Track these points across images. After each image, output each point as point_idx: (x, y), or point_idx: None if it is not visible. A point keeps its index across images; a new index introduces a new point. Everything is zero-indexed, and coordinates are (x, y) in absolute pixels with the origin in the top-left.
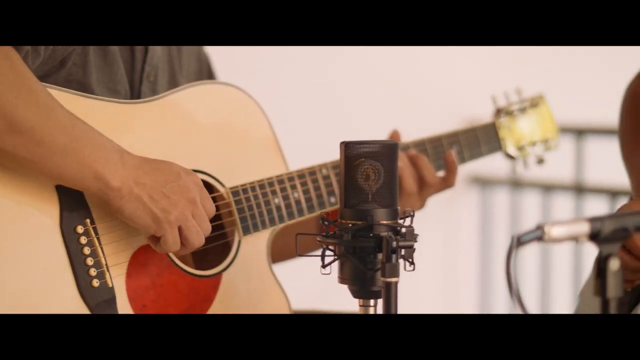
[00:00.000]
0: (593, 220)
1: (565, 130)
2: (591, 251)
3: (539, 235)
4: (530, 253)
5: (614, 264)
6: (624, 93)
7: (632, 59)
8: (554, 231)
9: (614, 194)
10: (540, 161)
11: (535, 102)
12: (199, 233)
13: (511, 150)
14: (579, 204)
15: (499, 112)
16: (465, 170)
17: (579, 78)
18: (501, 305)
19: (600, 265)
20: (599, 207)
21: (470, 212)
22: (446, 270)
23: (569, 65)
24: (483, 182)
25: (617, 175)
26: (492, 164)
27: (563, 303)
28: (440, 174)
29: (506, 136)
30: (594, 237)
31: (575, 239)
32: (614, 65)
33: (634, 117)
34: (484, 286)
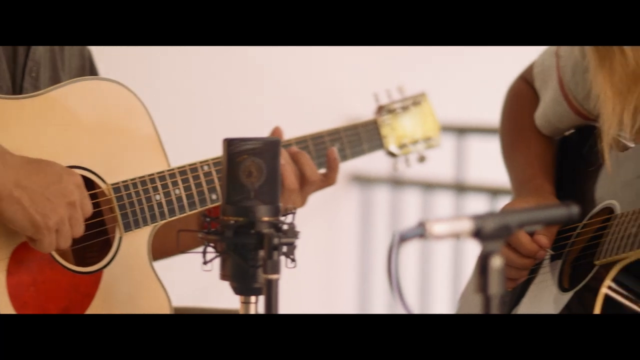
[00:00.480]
0: (475, 218)
1: (445, 128)
2: (471, 250)
3: (421, 232)
4: (410, 252)
5: (496, 262)
6: (505, 93)
7: (513, 60)
8: (436, 228)
9: (494, 192)
10: (422, 159)
11: (417, 101)
12: (69, 238)
13: (393, 148)
14: (459, 202)
15: (381, 109)
16: (345, 168)
17: (460, 77)
18: (380, 303)
19: (483, 263)
20: (479, 205)
21: (351, 210)
22: (326, 268)
23: (449, 65)
24: (363, 181)
25: (497, 174)
26: (372, 163)
27: (443, 301)
28: (322, 171)
29: (388, 134)
30: (476, 234)
31: (457, 236)
32: (495, 66)
33: (514, 117)
34: (363, 284)
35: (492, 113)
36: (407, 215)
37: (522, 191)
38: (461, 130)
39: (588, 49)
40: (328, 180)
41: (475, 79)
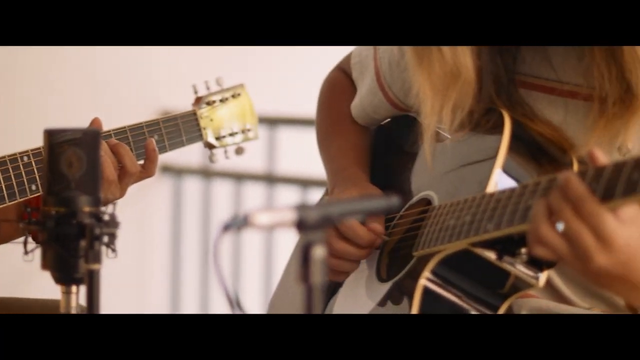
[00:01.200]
0: (298, 208)
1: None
2: (282, 243)
3: (244, 222)
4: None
5: (319, 252)
6: (322, 84)
7: (322, 54)
8: (260, 218)
9: (304, 183)
10: (240, 151)
11: (236, 92)
12: None
13: (211, 139)
14: (270, 193)
15: (199, 101)
16: None
17: (271, 69)
18: (191, 294)
19: (305, 253)
20: (289, 196)
21: (161, 202)
22: (137, 260)
23: (263, 57)
24: (175, 172)
25: (308, 165)
26: (183, 153)
27: (254, 292)
28: (141, 162)
29: (207, 125)
30: (299, 225)
31: (282, 226)
32: (307, 58)
33: (330, 107)
34: (174, 276)
35: (303, 104)
36: (218, 207)
37: (337, 180)
38: (272, 122)
39: (406, 48)
40: (147, 171)
41: (287, 70)
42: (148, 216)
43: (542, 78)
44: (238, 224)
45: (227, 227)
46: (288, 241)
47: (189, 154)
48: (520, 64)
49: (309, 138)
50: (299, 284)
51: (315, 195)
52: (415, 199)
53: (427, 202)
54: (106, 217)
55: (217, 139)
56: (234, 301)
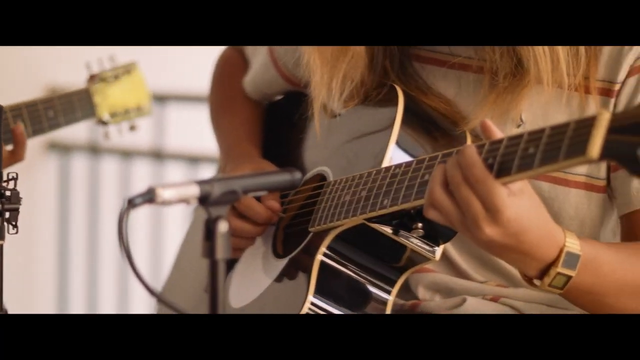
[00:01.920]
0: (202, 183)
1: None
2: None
3: (150, 197)
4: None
5: (223, 226)
6: (216, 60)
7: None
8: (165, 194)
9: (193, 160)
10: (133, 128)
11: (128, 69)
12: None
13: (105, 116)
14: (159, 170)
15: (93, 78)
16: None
17: (161, 47)
18: (79, 272)
19: (209, 228)
20: (178, 173)
21: (49, 179)
22: (23, 239)
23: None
24: (61, 149)
25: (198, 141)
26: (69, 130)
27: (144, 267)
28: (9, 148)
29: (100, 102)
30: (203, 200)
31: (185, 201)
32: None
33: (223, 83)
34: (62, 257)
35: (192, 81)
36: (106, 185)
37: (229, 156)
38: (161, 98)
39: None
40: (15, 156)
41: (175, 47)
42: (34, 194)
43: (435, 51)
44: (144, 199)
45: (132, 203)
46: (177, 218)
47: (75, 130)
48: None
49: (198, 115)
50: (204, 258)
51: (204, 172)
52: (309, 174)
53: (321, 177)
54: (8, 193)
55: (112, 115)
56: (140, 277)
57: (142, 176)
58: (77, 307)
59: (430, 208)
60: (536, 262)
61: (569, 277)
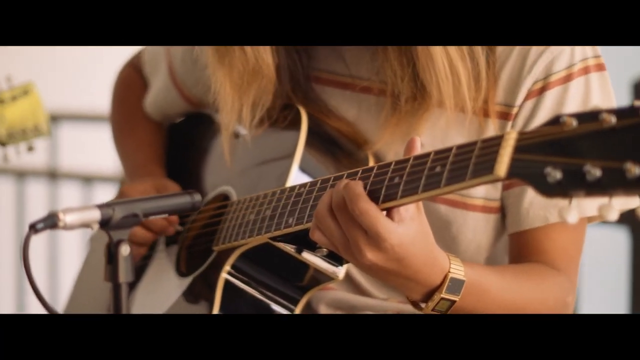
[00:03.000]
0: (103, 206)
1: None
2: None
3: (53, 222)
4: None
5: (125, 250)
6: (114, 80)
7: (103, 50)
8: (67, 218)
9: (87, 179)
10: (31, 149)
11: (25, 90)
12: None
13: (2, 137)
14: (53, 190)
15: None
16: None
17: (54, 66)
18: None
19: (111, 251)
20: (73, 192)
21: None
22: None
23: (43, 54)
24: None
25: (92, 160)
26: None
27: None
28: None
29: None
30: (105, 223)
31: (89, 225)
32: (89, 55)
33: (122, 104)
34: None
35: (84, 99)
36: (1, 205)
37: (134, 178)
38: (54, 118)
39: (206, 48)
40: None
41: (69, 66)
42: None
43: (336, 74)
44: (47, 224)
45: (34, 228)
46: (73, 241)
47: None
48: (315, 60)
49: (92, 134)
50: (106, 282)
51: (99, 191)
52: (212, 194)
53: (224, 197)
54: None
55: (9, 137)
56: (44, 301)
57: (37, 196)
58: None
59: (316, 230)
60: (420, 287)
61: (453, 302)
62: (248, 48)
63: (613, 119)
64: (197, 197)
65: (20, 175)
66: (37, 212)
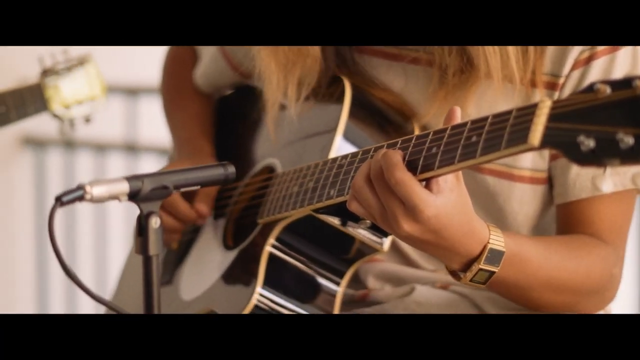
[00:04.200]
0: (132, 179)
1: (115, 89)
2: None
3: (80, 194)
4: (85, 215)
5: (155, 222)
6: (166, 53)
7: None
8: (95, 190)
9: (167, 152)
10: (88, 120)
11: (82, 61)
12: None
13: (58, 109)
14: (132, 163)
15: (45, 72)
16: (15, 131)
17: None
18: (57, 275)
19: (141, 224)
20: (152, 165)
21: (24, 174)
22: (1, 235)
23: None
24: (36, 143)
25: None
26: (43, 124)
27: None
28: None
29: (53, 95)
30: (134, 195)
31: (117, 198)
32: None
33: (173, 76)
34: (40, 253)
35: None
36: (81, 179)
37: (182, 152)
38: (131, 91)
39: None
40: None
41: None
42: (10, 190)
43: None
44: (74, 196)
45: (60, 200)
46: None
47: (50, 124)
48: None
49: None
50: (138, 254)
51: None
52: (258, 166)
53: (270, 169)
54: None
55: (64, 108)
56: (73, 276)
57: (117, 169)
58: (57, 306)
59: (354, 200)
60: (459, 257)
61: (492, 273)
62: None
63: None
64: (231, 169)
65: (100, 148)
66: None
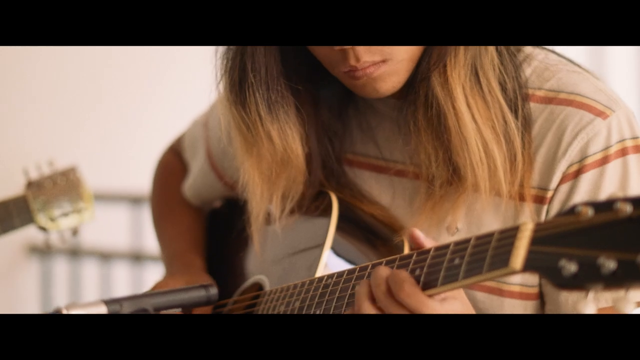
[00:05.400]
0: (110, 302)
1: (120, 198)
2: None
3: None
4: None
5: None
6: (155, 165)
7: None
8: (73, 313)
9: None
10: (75, 232)
11: (67, 173)
12: None
13: (44, 222)
14: (138, 272)
15: (30, 184)
16: (21, 238)
17: (138, 148)
18: None
19: None
20: (158, 273)
21: (30, 283)
22: None
23: (117, 134)
24: (41, 252)
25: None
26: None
27: None
28: None
29: (39, 208)
30: None
31: None
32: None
33: (163, 189)
34: None
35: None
36: (86, 287)
37: (172, 266)
38: (136, 200)
39: (234, 136)
40: None
41: (151, 149)
42: (16, 299)
43: (370, 156)
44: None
45: None
46: None
47: (55, 233)
48: (347, 143)
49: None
50: None
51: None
52: (247, 283)
53: (259, 286)
54: None
55: (50, 220)
56: None
57: (122, 278)
58: None
59: None
60: None
61: None
62: (276, 138)
63: (629, 208)
64: (213, 290)
65: (106, 257)
66: (120, 293)
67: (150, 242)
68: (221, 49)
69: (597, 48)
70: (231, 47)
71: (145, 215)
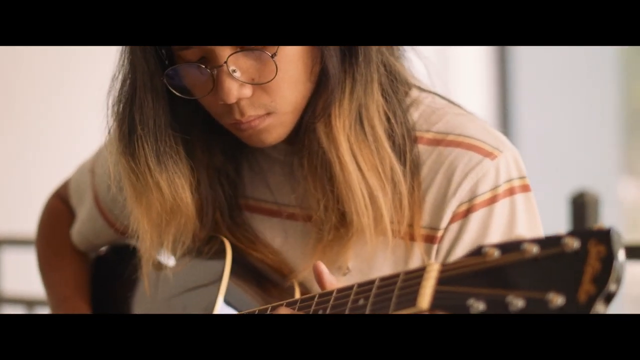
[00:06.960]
0: None
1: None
2: None
3: None
4: None
5: None
6: (41, 211)
7: (48, 173)
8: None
9: (30, 304)
10: None
11: None
12: None
13: None
14: None
15: None
16: None
17: None
18: None
19: None
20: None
21: None
22: None
23: None
24: None
25: (35, 285)
26: None
27: None
28: None
29: None
30: None
31: None
32: (33, 178)
33: (49, 234)
34: None
35: (27, 224)
36: None
37: (59, 312)
38: None
39: (124, 185)
40: None
41: (9, 189)
42: None
43: (263, 201)
44: None
45: None
46: None
47: None
48: (241, 188)
49: (33, 258)
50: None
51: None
52: None
53: None
54: None
55: None
56: None
57: None
58: None
59: None
60: None
61: None
62: (165, 188)
63: (535, 249)
64: None
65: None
66: None
67: (9, 285)
68: (113, 93)
69: (444, 48)
70: (121, 95)
71: (4, 258)
